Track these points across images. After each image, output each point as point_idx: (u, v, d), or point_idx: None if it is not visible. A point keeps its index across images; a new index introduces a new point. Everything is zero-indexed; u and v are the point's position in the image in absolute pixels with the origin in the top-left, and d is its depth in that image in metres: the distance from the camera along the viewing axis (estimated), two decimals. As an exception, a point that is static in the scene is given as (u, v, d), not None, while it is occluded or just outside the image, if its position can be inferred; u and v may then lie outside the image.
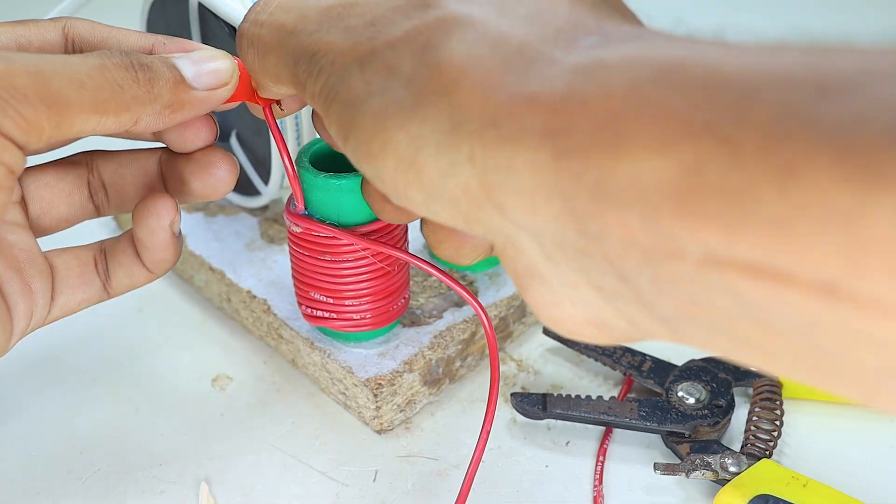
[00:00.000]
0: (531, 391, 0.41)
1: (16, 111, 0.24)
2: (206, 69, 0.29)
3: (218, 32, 0.41)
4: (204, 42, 0.41)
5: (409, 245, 0.40)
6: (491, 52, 0.21)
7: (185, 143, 0.32)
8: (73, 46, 0.32)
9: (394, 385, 0.38)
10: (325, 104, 0.25)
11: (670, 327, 0.21)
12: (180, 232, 0.33)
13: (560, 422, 0.39)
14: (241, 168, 0.46)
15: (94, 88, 0.26)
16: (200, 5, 0.42)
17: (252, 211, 0.48)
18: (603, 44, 0.21)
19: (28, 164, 0.32)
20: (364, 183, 0.31)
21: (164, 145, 0.33)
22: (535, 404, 0.38)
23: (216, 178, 0.32)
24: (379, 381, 0.37)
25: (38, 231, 0.32)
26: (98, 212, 0.34)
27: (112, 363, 0.43)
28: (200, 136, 0.32)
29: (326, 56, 0.25)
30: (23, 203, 0.32)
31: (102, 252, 0.33)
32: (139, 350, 0.44)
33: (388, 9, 0.24)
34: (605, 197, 0.19)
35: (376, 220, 0.35)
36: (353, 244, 0.35)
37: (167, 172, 0.33)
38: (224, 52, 0.30)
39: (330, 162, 0.36)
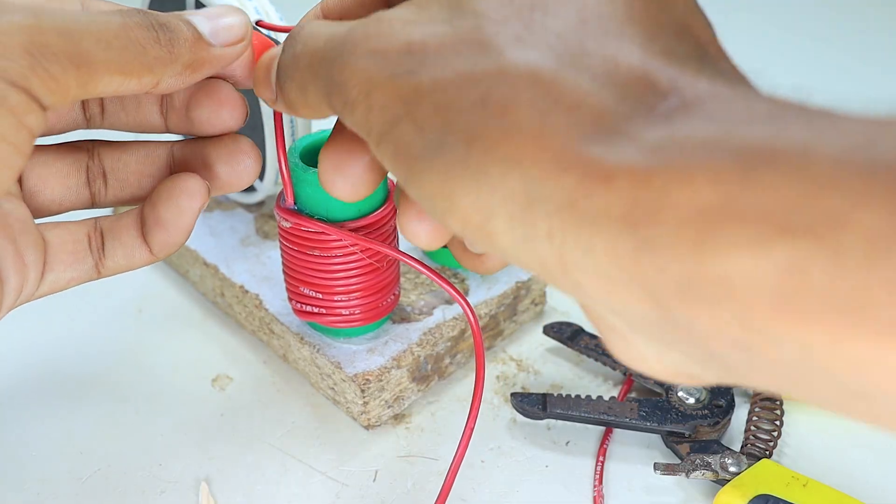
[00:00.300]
0: (531, 391, 0.41)
1: (44, 69, 0.24)
2: (222, 24, 0.29)
3: (217, 32, 0.41)
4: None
5: (400, 242, 0.40)
6: (566, 121, 0.20)
7: (220, 122, 0.31)
8: None
9: (381, 381, 0.38)
10: (372, 139, 0.23)
11: (768, 388, 0.21)
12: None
13: (560, 422, 0.39)
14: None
15: (120, 48, 0.26)
16: (198, 3, 0.42)
17: (248, 207, 0.48)
18: (680, 111, 0.20)
19: None
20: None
21: (178, 138, 0.33)
22: (535, 404, 0.38)
23: (244, 165, 0.32)
24: (367, 377, 0.37)
25: (34, 212, 0.32)
26: (93, 200, 0.33)
27: (112, 363, 0.43)
28: (235, 115, 0.31)
29: (358, 87, 0.23)
30: (18, 179, 0.31)
31: (98, 230, 0.32)
32: (139, 350, 0.44)
33: (426, 35, 0.22)
34: (693, 292, 0.18)
35: (365, 215, 0.35)
36: (342, 240, 0.35)
37: (190, 160, 0.33)
38: (236, 7, 0.29)
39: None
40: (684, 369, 0.22)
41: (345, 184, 0.28)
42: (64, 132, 0.33)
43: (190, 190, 0.30)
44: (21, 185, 0.32)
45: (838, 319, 0.16)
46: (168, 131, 0.33)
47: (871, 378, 0.17)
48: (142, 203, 0.32)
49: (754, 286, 0.17)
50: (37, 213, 0.32)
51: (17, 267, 0.29)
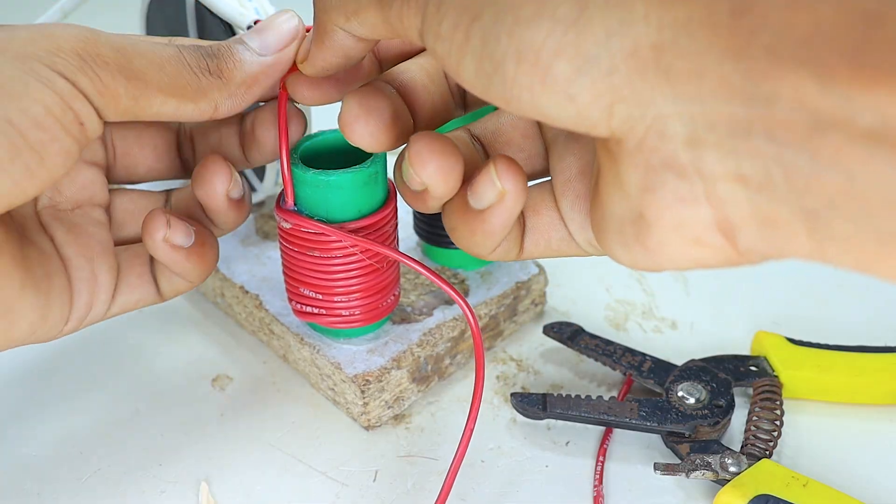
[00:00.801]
0: (531, 391, 0.41)
1: (94, 73, 0.26)
2: (270, 31, 0.30)
3: (215, 31, 0.41)
4: (203, 41, 0.41)
5: (401, 243, 0.40)
6: None
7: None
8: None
9: (381, 381, 0.38)
10: (432, 5, 0.23)
11: (813, 224, 0.20)
12: (243, 197, 0.35)
13: (560, 422, 0.39)
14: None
15: (173, 74, 0.28)
16: (197, 3, 0.42)
17: (249, 208, 0.48)
18: None
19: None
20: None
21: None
22: (535, 404, 0.38)
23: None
24: (367, 378, 0.37)
25: (125, 176, 0.35)
26: (184, 168, 0.36)
27: (112, 363, 0.43)
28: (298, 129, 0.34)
29: None
30: (107, 211, 0.35)
31: (153, 259, 0.35)
32: (139, 350, 0.44)
33: None
34: (781, 54, 0.18)
35: (365, 216, 0.35)
36: (341, 241, 0.35)
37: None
38: (287, 10, 0.31)
39: (320, 158, 0.36)
40: (731, 213, 0.21)
41: (366, 129, 0.28)
42: (163, 178, 0.37)
43: (148, 227, 0.33)
44: (115, 154, 0.35)
45: None
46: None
47: None
48: None
49: (838, 40, 0.17)
50: (119, 244, 0.35)
51: (90, 285, 0.32)
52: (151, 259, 0.35)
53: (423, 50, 0.32)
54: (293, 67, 0.31)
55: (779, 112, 0.19)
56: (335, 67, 0.29)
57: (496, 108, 0.31)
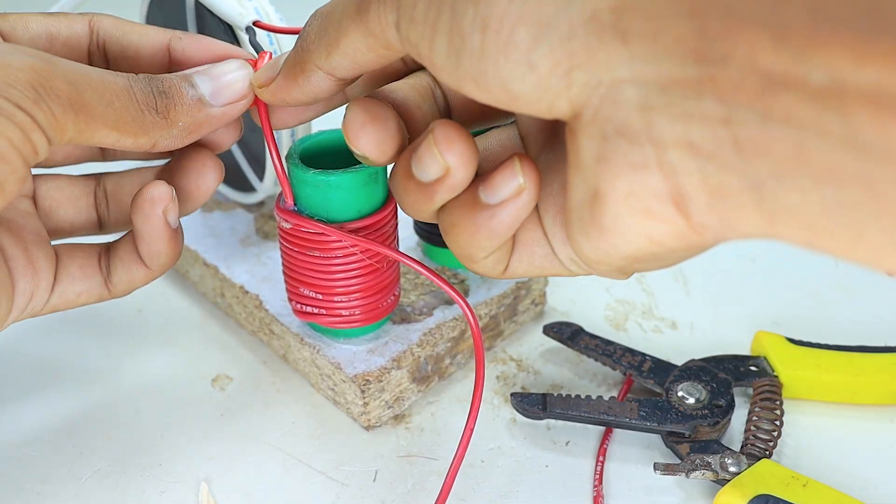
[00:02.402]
0: (531, 391, 0.41)
1: (48, 107, 0.26)
2: (224, 83, 0.30)
3: (214, 30, 0.41)
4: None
5: (401, 243, 0.40)
6: None
7: (221, 144, 0.34)
8: (97, 39, 0.33)
9: (381, 381, 0.38)
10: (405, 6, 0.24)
11: (760, 195, 0.20)
12: (179, 228, 0.34)
13: (560, 422, 0.39)
14: (237, 164, 0.46)
15: (120, 109, 0.28)
16: (197, 3, 0.42)
17: (248, 207, 0.48)
18: None
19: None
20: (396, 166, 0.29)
21: (163, 162, 0.35)
22: (535, 404, 0.38)
23: (208, 178, 0.34)
24: (367, 378, 0.37)
25: (45, 163, 0.34)
26: (100, 224, 0.36)
27: (112, 363, 0.43)
28: (232, 137, 0.34)
29: None
30: (34, 200, 0.34)
31: (107, 252, 0.34)
32: (139, 350, 0.44)
33: None
34: (738, 13, 0.18)
35: (365, 216, 0.35)
36: (342, 241, 0.35)
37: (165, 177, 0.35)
38: (241, 62, 0.31)
39: (320, 158, 0.36)
40: (681, 182, 0.21)
41: (373, 136, 0.28)
42: (80, 162, 0.36)
43: (151, 195, 0.32)
44: (37, 206, 0.34)
45: (866, 30, 0.17)
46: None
47: (883, 118, 0.17)
48: None
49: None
50: (53, 233, 0.35)
51: (28, 271, 0.32)
52: (101, 253, 0.34)
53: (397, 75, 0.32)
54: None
55: (732, 71, 0.19)
56: (299, 104, 0.30)
57: (483, 132, 0.31)
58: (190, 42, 0.33)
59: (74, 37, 0.33)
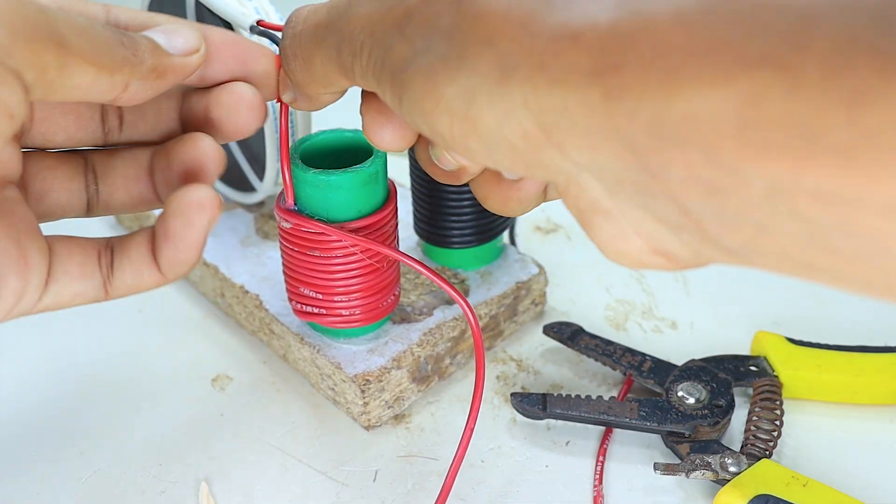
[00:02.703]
0: (531, 391, 0.41)
1: (25, 42, 0.24)
2: (176, 36, 0.29)
3: (217, 32, 0.41)
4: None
5: (401, 243, 0.40)
6: None
7: (240, 120, 0.31)
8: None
9: (381, 381, 0.38)
10: (375, 77, 0.25)
11: (737, 256, 0.21)
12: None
13: (560, 422, 0.39)
14: (237, 164, 0.46)
15: (92, 39, 0.26)
16: (198, 3, 0.42)
17: (248, 207, 0.48)
18: None
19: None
20: (419, 147, 0.30)
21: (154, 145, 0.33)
22: (535, 404, 0.38)
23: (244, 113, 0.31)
24: (367, 378, 0.37)
25: (40, 143, 0.31)
26: (88, 207, 0.32)
27: (112, 363, 0.43)
28: (254, 114, 0.32)
29: (364, 30, 0.25)
30: (23, 184, 0.30)
31: (109, 248, 0.31)
32: (139, 350, 0.44)
33: None
34: (663, 134, 0.19)
35: (365, 216, 0.35)
36: (342, 240, 0.35)
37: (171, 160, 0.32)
38: (189, 21, 0.30)
39: (321, 158, 0.36)
40: (662, 245, 0.23)
41: (388, 129, 0.29)
42: (82, 145, 0.32)
43: (200, 201, 0.29)
44: (27, 190, 0.31)
45: (799, 147, 0.17)
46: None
47: (835, 211, 0.17)
48: (133, 212, 0.33)
49: (718, 121, 0.18)
50: (41, 217, 0.31)
51: (19, 268, 0.28)
52: (101, 250, 0.30)
53: None
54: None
55: (672, 181, 0.20)
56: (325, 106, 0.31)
57: None
58: (218, 35, 0.31)
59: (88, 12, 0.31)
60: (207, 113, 0.31)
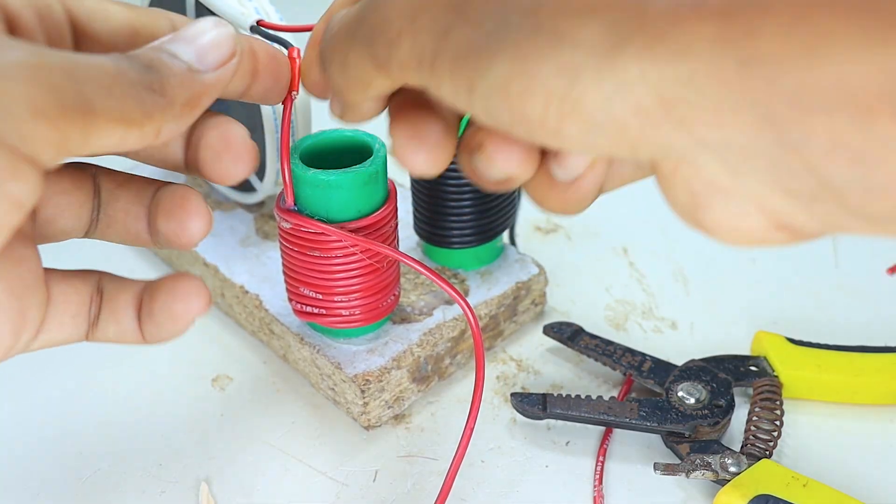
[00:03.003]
0: (531, 391, 0.41)
1: (48, 118, 0.21)
2: (207, 44, 0.26)
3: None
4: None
5: (401, 243, 0.40)
6: None
7: (274, 94, 0.30)
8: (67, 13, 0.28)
9: (381, 381, 0.38)
10: (422, 68, 0.23)
11: (878, 225, 0.19)
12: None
13: (560, 422, 0.39)
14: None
15: (121, 97, 0.23)
16: (198, 3, 0.42)
17: (248, 207, 0.48)
18: None
19: None
20: (462, 156, 0.27)
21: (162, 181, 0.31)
22: (535, 404, 0.38)
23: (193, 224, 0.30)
24: (367, 378, 0.37)
25: (38, 238, 0.29)
26: (86, 232, 0.31)
27: (112, 363, 0.43)
28: (280, 84, 0.30)
29: (402, 16, 0.23)
30: (34, 209, 0.29)
31: (99, 294, 0.30)
32: (139, 350, 0.44)
33: None
34: (807, 103, 0.18)
35: (365, 216, 0.35)
36: (342, 240, 0.35)
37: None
38: (216, 19, 0.27)
39: (321, 158, 0.36)
40: (788, 219, 0.21)
41: (422, 151, 0.26)
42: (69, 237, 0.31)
43: (187, 295, 0.29)
44: (37, 214, 0.29)
45: None
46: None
47: None
48: (124, 244, 0.31)
49: (875, 86, 0.17)
50: (43, 239, 0.30)
51: (14, 326, 0.27)
52: (93, 296, 0.30)
53: None
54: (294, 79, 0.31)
55: (816, 151, 0.18)
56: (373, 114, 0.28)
57: None
58: (263, 51, 0.30)
59: (43, 6, 0.27)
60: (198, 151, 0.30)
